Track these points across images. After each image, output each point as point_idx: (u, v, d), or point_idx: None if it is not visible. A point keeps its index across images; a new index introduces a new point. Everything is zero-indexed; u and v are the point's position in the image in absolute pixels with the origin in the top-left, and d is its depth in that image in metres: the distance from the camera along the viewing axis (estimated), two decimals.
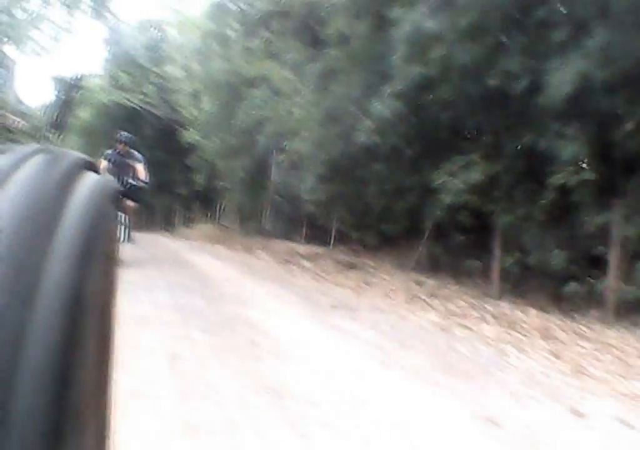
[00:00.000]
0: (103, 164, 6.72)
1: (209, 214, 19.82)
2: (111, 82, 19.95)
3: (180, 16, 19.42)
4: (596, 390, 2.84)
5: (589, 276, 5.35)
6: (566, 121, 5.25)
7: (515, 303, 5.57)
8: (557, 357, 3.52)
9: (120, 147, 6.91)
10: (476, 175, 6.22)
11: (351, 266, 8.51)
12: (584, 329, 4.49)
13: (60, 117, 24.23)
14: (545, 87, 5.04)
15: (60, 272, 0.33)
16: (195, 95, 16.71)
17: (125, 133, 7.35)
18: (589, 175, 5.28)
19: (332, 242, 10.71)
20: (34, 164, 0.38)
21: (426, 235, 8.03)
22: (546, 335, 4.15)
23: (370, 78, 7.64)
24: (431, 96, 6.82)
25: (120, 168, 6.76)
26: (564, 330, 4.36)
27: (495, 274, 6.53)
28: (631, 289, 4.99)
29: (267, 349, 2.96)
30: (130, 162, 6.83)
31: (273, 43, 11.61)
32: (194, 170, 18.30)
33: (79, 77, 25.26)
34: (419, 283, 6.73)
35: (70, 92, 24.86)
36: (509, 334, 4.17)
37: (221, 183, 15.82)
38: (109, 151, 7.08)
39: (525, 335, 4.13)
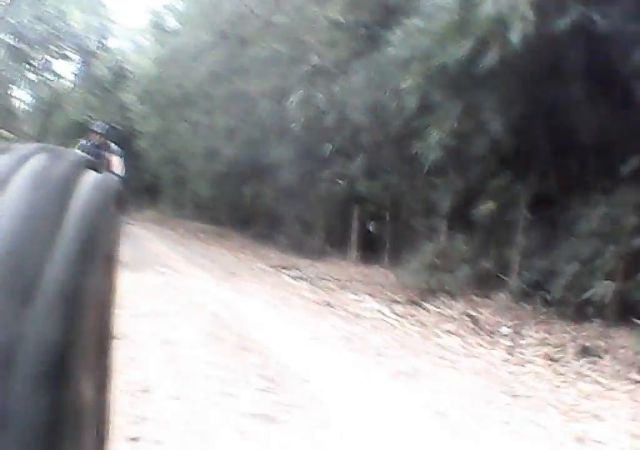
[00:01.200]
0: None
1: (153, 203, 25.92)
2: (83, 101, 25.64)
3: (135, 46, 25.75)
4: None
5: None
6: None
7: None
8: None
9: (95, 137, 6.57)
10: None
11: (221, 235, 14.97)
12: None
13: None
14: None
15: (61, 271, 0.33)
16: (145, 115, 22.66)
17: (101, 122, 7.07)
18: None
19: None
20: (35, 163, 0.38)
21: None
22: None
23: None
24: None
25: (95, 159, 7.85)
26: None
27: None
28: None
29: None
30: (106, 154, 6.46)
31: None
32: (143, 170, 24.36)
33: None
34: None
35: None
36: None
37: (160, 181, 22.28)
38: (83, 141, 6.74)
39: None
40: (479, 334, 5.46)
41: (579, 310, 5.62)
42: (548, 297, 5.94)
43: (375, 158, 8.68)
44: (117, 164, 6.49)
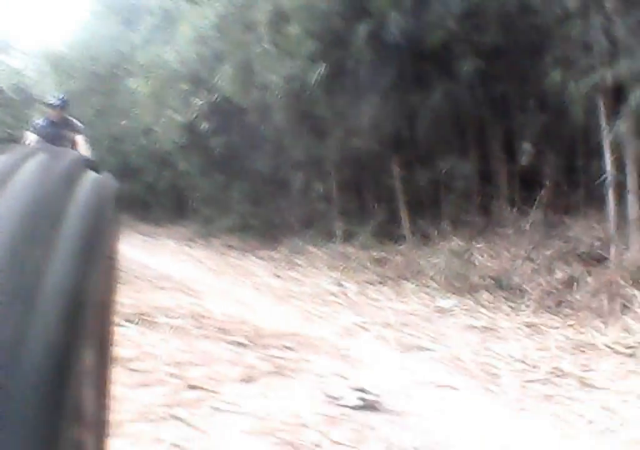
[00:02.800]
0: (30, 137, 5.44)
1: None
2: None
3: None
4: None
5: None
6: None
7: None
8: None
9: (52, 114, 5.46)
10: None
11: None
12: None
13: None
14: None
15: (61, 271, 0.34)
16: None
17: (59, 95, 5.92)
18: None
19: None
20: (35, 163, 0.38)
21: None
22: None
23: None
24: None
25: (55, 141, 5.21)
26: None
27: None
28: None
29: None
30: (68, 132, 5.45)
31: None
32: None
33: None
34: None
35: None
36: None
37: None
38: (39, 121, 5.69)
39: None
40: None
41: None
42: None
43: None
44: (83, 144, 5.41)
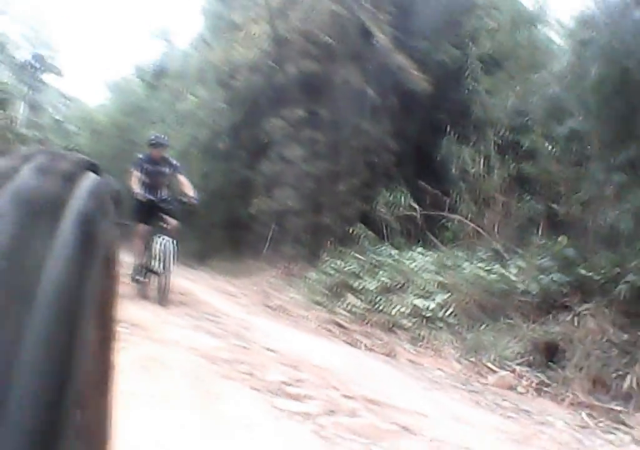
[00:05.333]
0: (134, 174, 5.56)
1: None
2: None
3: None
4: None
5: None
6: None
7: None
8: None
9: (154, 152, 5.66)
10: None
11: None
12: None
13: None
14: None
15: (60, 272, 0.33)
16: None
17: (159, 135, 6.13)
18: None
19: None
20: (35, 165, 0.38)
21: None
22: None
23: None
24: None
25: (155, 178, 5.61)
26: None
27: None
28: None
29: None
30: (167, 170, 5.65)
31: None
32: None
33: None
34: None
35: None
36: None
37: None
38: (140, 155, 5.86)
39: None
40: None
41: None
42: None
43: None
44: (187, 183, 5.58)
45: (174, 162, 5.77)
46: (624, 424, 3.72)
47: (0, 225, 0.33)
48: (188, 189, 5.49)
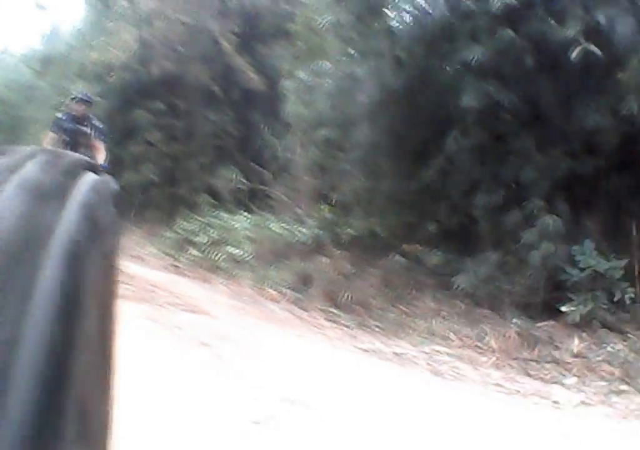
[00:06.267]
0: (50, 135, 5.20)
1: None
2: None
3: None
4: None
5: None
6: None
7: None
8: None
9: (76, 108, 5.18)
10: None
11: None
12: None
13: None
14: None
15: (59, 271, 0.33)
16: None
17: (84, 91, 5.74)
18: None
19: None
20: (34, 164, 0.38)
21: None
22: None
23: None
24: None
25: (74, 140, 5.13)
26: None
27: None
28: None
29: None
30: (87, 131, 5.17)
31: None
32: None
33: None
34: None
35: None
36: None
37: None
38: (60, 114, 5.35)
39: None
40: None
41: None
42: None
43: None
44: (101, 149, 5.10)
45: (97, 123, 5.33)
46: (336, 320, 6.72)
47: (7, 208, 0.33)
48: (100, 155, 5.08)
